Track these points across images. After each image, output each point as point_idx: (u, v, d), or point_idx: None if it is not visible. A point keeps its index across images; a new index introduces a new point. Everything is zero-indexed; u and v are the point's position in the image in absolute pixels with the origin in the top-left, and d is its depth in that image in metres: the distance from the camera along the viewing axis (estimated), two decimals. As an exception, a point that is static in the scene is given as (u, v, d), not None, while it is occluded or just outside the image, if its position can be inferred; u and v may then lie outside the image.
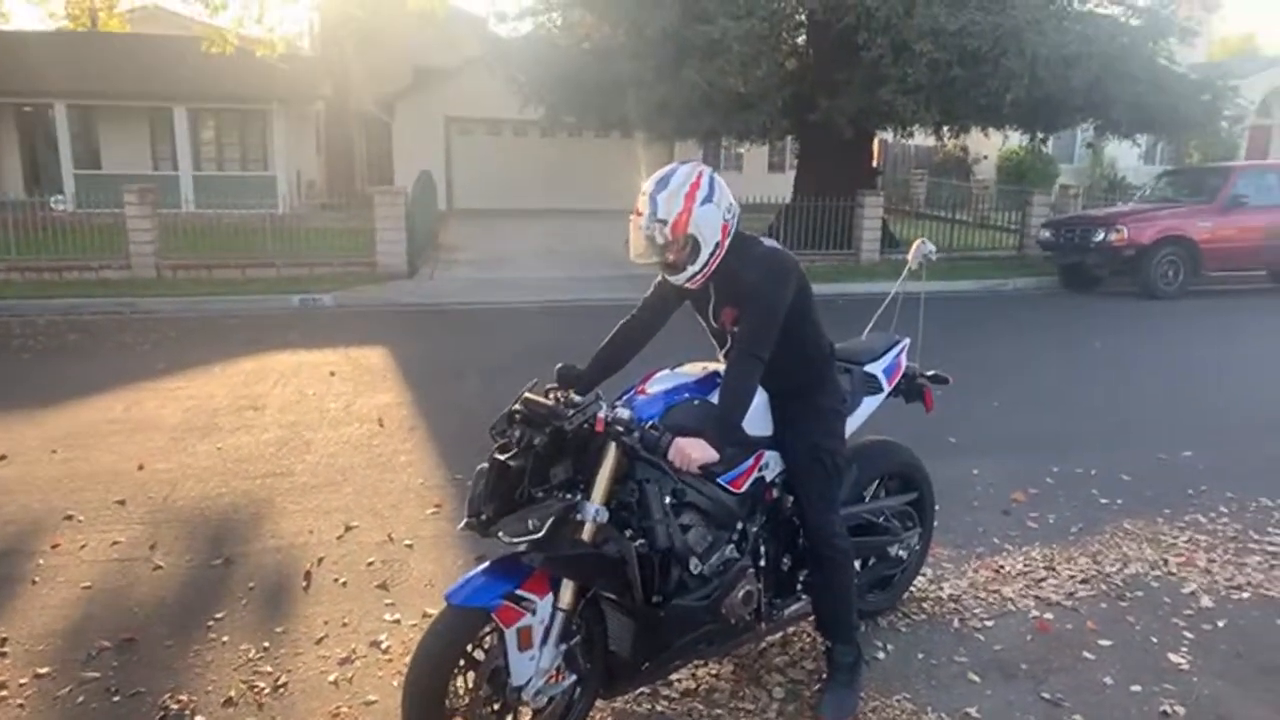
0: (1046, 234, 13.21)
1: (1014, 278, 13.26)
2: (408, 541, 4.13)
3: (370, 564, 3.91)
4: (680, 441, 2.45)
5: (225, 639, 3.30)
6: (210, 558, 3.96)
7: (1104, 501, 4.73)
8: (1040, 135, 15.12)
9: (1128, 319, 10.50)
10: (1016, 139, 19.44)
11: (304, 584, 3.73)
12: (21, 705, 2.90)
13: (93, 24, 27.29)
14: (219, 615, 3.46)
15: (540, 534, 2.36)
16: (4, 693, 2.95)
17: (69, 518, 4.35)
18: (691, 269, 2.63)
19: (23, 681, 3.02)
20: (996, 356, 8.17)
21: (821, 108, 13.02)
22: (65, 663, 3.13)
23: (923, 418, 3.66)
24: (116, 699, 2.93)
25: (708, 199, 2.59)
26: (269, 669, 3.11)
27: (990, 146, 24.00)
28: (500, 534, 2.41)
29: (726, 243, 2.65)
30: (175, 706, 2.89)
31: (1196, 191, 12.80)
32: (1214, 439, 5.76)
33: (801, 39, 14.94)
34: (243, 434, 5.67)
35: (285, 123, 20.52)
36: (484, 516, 2.45)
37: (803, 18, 14.06)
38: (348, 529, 4.26)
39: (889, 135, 19.63)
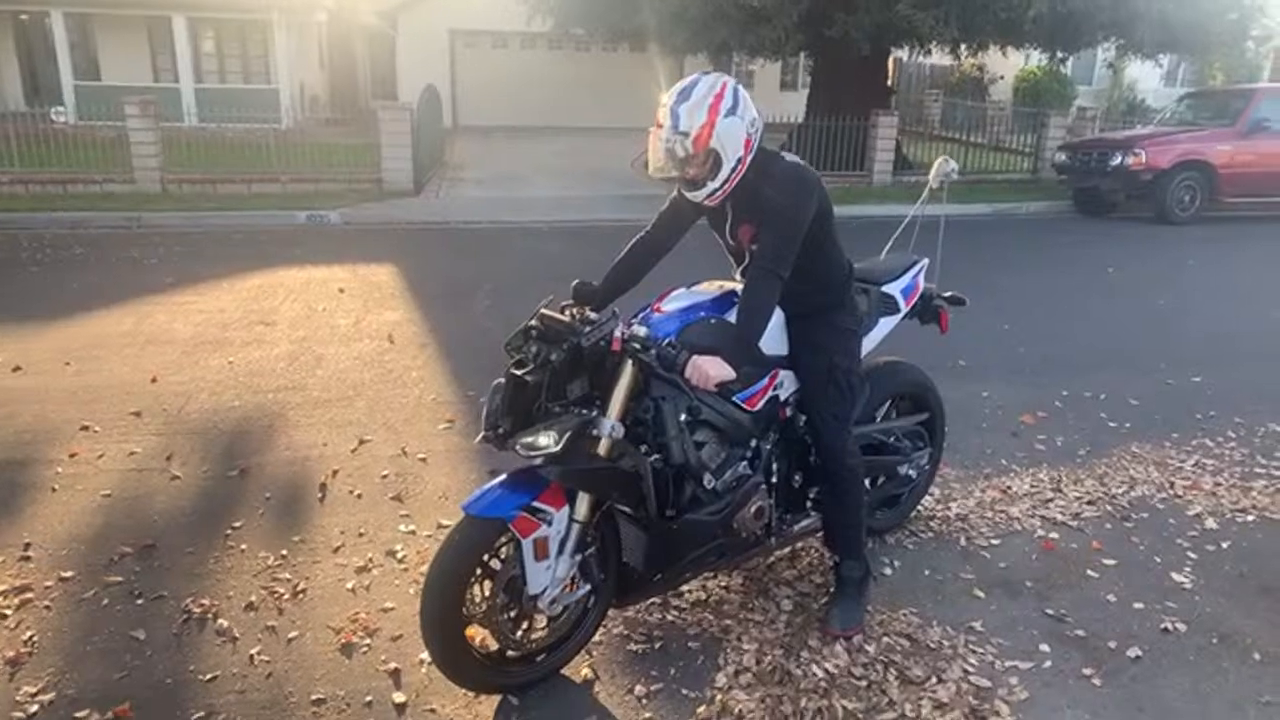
0: (1062, 157, 12.98)
1: (1028, 201, 13.06)
2: (421, 455, 4.18)
3: (384, 476, 3.96)
4: (697, 359, 2.45)
5: (244, 547, 3.36)
6: (226, 469, 4.01)
7: (1112, 425, 4.75)
8: (1060, 55, 14.71)
9: (1141, 245, 10.38)
10: (1035, 59, 18.90)
11: (319, 495, 3.79)
12: (48, 607, 2.97)
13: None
14: (237, 524, 3.52)
15: (557, 448, 2.37)
16: (30, 594, 3.02)
17: (85, 428, 4.39)
18: (712, 185, 2.58)
19: (48, 584, 3.09)
20: (1008, 280, 8.11)
21: (838, 23, 12.63)
22: (88, 567, 3.20)
23: (932, 339, 3.65)
24: (140, 602, 3.01)
25: (731, 111, 2.52)
26: (288, 576, 3.18)
27: (1007, 67, 23.39)
28: (517, 447, 2.43)
29: (749, 158, 2.59)
30: (197, 610, 2.96)
31: (1218, 115, 12.50)
32: (1223, 364, 5.76)
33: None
34: (254, 348, 5.69)
35: (287, 34, 20.02)
36: (501, 430, 2.46)
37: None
38: (361, 442, 4.30)
39: (903, 54, 19.15)
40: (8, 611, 2.93)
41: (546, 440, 2.39)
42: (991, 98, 23.70)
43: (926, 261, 3.46)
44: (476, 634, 2.58)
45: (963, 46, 14.55)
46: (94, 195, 11.57)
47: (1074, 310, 7.22)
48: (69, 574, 3.15)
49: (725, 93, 2.53)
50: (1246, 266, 9.43)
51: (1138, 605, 3.13)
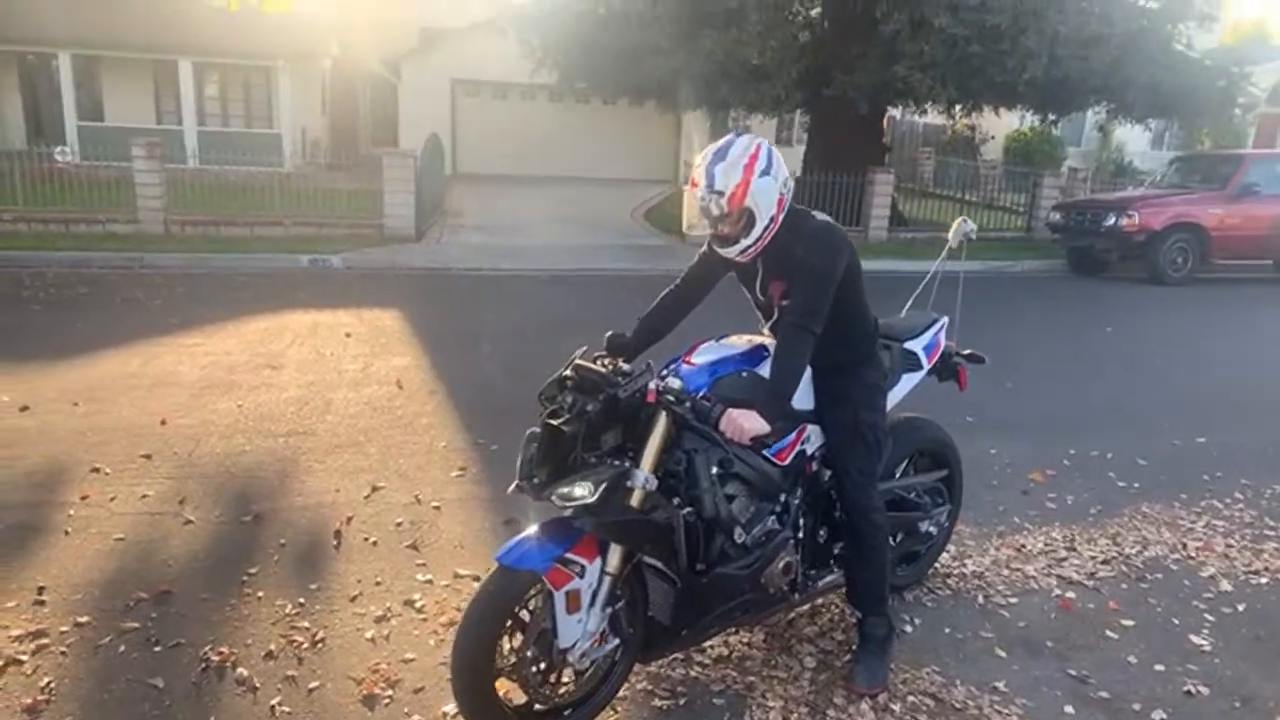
0: (1057, 216, 13.21)
1: (1022, 259, 13.25)
2: (435, 503, 4.16)
3: (399, 524, 3.94)
4: (733, 412, 2.47)
5: (260, 594, 3.33)
6: (239, 514, 3.98)
7: (1121, 485, 4.78)
8: (1052, 117, 15.05)
9: (1136, 304, 10.53)
10: (1027, 120, 19.31)
11: (335, 542, 3.76)
12: (64, 653, 2.93)
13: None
14: (252, 570, 3.49)
15: (593, 499, 2.38)
16: (46, 640, 2.98)
17: (95, 469, 4.36)
18: (745, 242, 2.64)
19: (64, 629, 3.05)
20: (1007, 337, 8.19)
21: (836, 82, 12.92)
22: (104, 612, 3.16)
23: (938, 395, 3.67)
24: (158, 649, 2.97)
25: (765, 171, 2.58)
26: (306, 624, 3.15)
27: (999, 126, 23.86)
28: (553, 498, 2.43)
29: (781, 216, 2.65)
30: (216, 658, 2.92)
31: (1208, 178, 12.78)
32: (1226, 426, 5.81)
33: (816, 11, 14.79)
34: (262, 392, 5.68)
35: (291, 80, 20.27)
36: (536, 480, 2.47)
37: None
38: (374, 489, 4.28)
39: (896, 112, 19.52)
40: (24, 657, 2.89)
41: (582, 491, 2.40)
42: (983, 156, 24.14)
43: (946, 319, 3.52)
44: (504, 687, 2.56)
45: (957, 107, 14.87)
46: (97, 235, 11.60)
47: (1074, 369, 7.30)
48: (85, 619, 3.11)
49: (760, 154, 2.60)
50: (1241, 327, 9.56)
51: (1159, 667, 3.13)
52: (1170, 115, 14.45)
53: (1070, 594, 3.61)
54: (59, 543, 3.65)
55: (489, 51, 19.30)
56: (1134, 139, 23.32)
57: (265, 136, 20.02)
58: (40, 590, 3.27)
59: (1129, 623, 3.41)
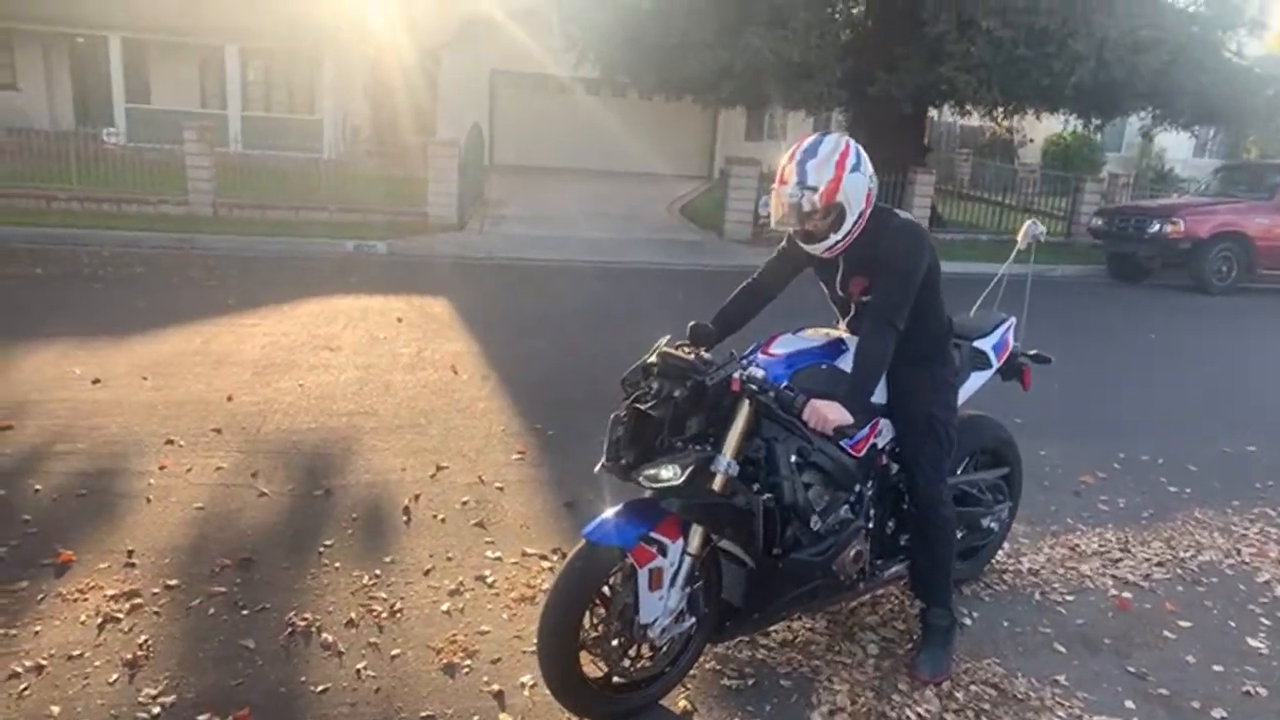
0: (1099, 222, 13.13)
1: (1062, 264, 13.19)
2: (498, 484, 4.27)
3: (465, 503, 4.05)
4: (817, 403, 2.55)
5: (338, 565, 3.45)
6: (311, 488, 4.11)
7: (1173, 489, 4.81)
8: (1097, 121, 14.95)
9: (1180, 312, 10.46)
10: (1070, 124, 19.15)
11: (404, 518, 3.88)
12: (157, 613, 3.06)
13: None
14: (328, 542, 3.62)
15: (679, 481, 2.47)
16: (139, 600, 3.11)
17: (170, 441, 4.51)
18: (834, 237, 2.71)
19: (155, 591, 3.18)
20: (1051, 341, 8.12)
21: (880, 81, 12.92)
22: (191, 577, 3.29)
23: (989, 397, 3.70)
24: (245, 612, 3.09)
25: (855, 168, 2.66)
26: (383, 595, 3.26)
27: (1038, 130, 23.69)
28: (640, 479, 2.52)
29: (868, 212, 2.71)
30: (301, 623, 3.04)
31: (1254, 187, 12.65)
32: (1276, 435, 5.80)
33: (859, 9, 14.78)
34: (322, 372, 5.82)
35: (333, 66, 20.52)
36: (624, 461, 2.56)
37: (865, -12, 13.95)
38: (439, 469, 4.39)
39: (935, 113, 19.45)
40: (120, 615, 3.02)
41: (669, 473, 2.49)
42: (1021, 160, 23.98)
43: (1014, 319, 3.57)
44: (584, 660, 2.65)
45: (1000, 109, 14.81)
46: (149, 216, 11.84)
47: (1121, 373, 7.29)
48: (174, 582, 3.24)
49: (850, 151, 2.68)
50: (1286, 339, 9.49)
51: (1217, 668, 3.17)
52: (1218, 122, 14.34)
53: (1126, 594, 3.66)
54: (142, 509, 3.79)
55: (528, 43, 19.42)
56: (1175, 146, 23.09)
57: (307, 122, 20.32)
58: (130, 554, 3.41)
59: (1186, 624, 3.46)
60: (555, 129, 22.70)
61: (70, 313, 7.03)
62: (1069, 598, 3.60)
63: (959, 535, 3.45)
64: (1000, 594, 3.60)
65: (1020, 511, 4.19)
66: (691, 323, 2.89)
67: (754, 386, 2.58)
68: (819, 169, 2.63)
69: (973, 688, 2.95)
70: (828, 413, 2.53)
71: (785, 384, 2.63)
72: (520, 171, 21.10)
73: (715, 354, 2.75)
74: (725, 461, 2.55)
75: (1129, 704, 2.93)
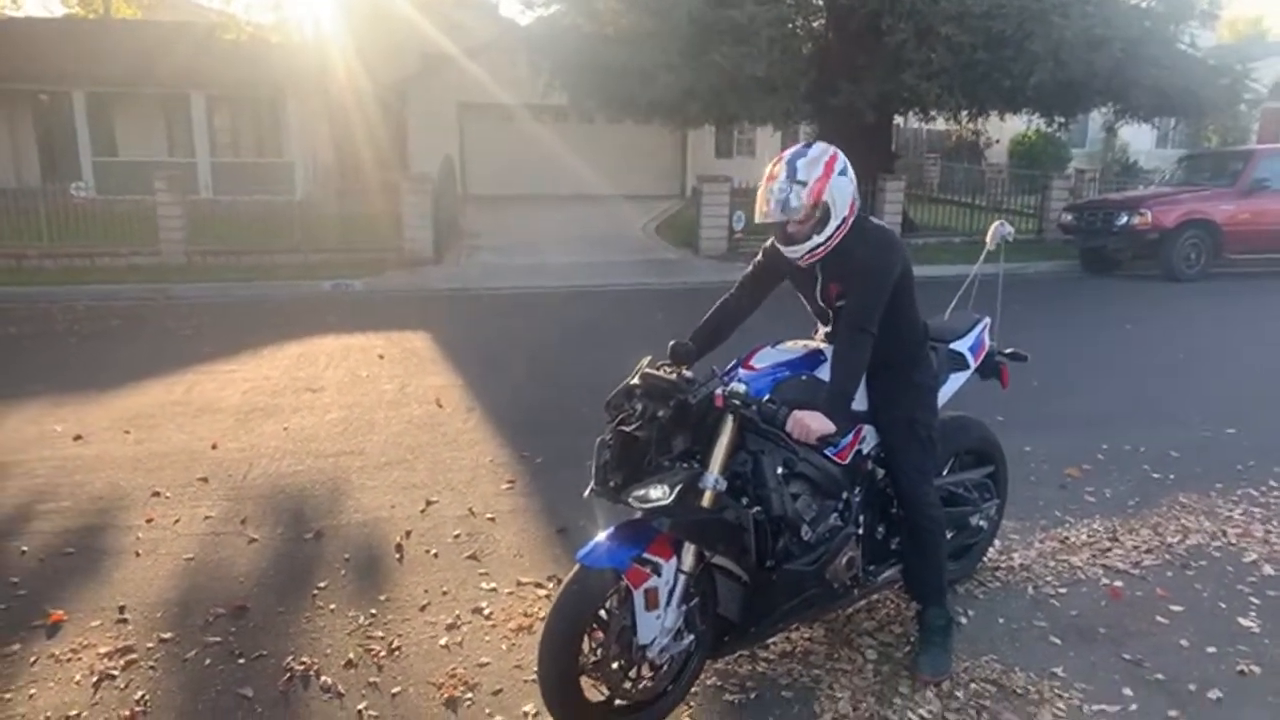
0: (1068, 218, 13.31)
1: (1034, 261, 13.35)
2: (489, 515, 4.27)
3: (457, 536, 4.05)
4: (799, 414, 2.58)
5: (333, 606, 3.44)
6: (301, 531, 4.09)
7: (1156, 476, 4.86)
8: (1059, 119, 15.18)
9: (1152, 301, 10.61)
10: (1032, 123, 19.42)
11: (397, 555, 3.87)
12: (153, 667, 3.04)
13: (105, 11, 27.23)
14: (322, 584, 3.60)
15: (669, 500, 2.48)
16: (134, 655, 3.09)
17: (156, 494, 4.49)
18: (816, 239, 2.73)
19: (149, 645, 3.16)
20: (1029, 337, 8.17)
21: (843, 92, 13.08)
22: (185, 628, 3.27)
23: (970, 394, 3.74)
24: (241, 660, 3.08)
25: (843, 172, 2.72)
26: (380, 634, 3.25)
27: (1003, 130, 24.02)
28: (630, 500, 2.54)
29: (850, 220, 2.76)
30: (299, 668, 3.03)
31: (1217, 175, 12.87)
32: (1254, 416, 5.89)
33: (819, 23, 14.98)
34: (305, 414, 5.81)
35: (300, 109, 20.54)
36: (613, 484, 2.58)
37: (822, 1, 14.13)
38: (429, 504, 4.39)
39: (901, 120, 19.70)
40: (115, 672, 3.00)
41: (658, 493, 2.50)
42: (988, 160, 24.30)
43: (989, 319, 3.62)
44: (585, 684, 2.65)
45: (964, 113, 15.02)
46: (120, 268, 11.80)
47: (1099, 366, 7.38)
48: (168, 635, 3.22)
49: (837, 157, 2.76)
50: (1258, 320, 9.64)
51: (1210, 649, 3.21)
52: (1176, 113, 14.58)
53: (1118, 583, 3.69)
54: (131, 563, 3.76)
55: (493, 74, 19.57)
56: (1139, 139, 23.43)
57: (277, 165, 20.31)
58: (121, 609, 3.39)
59: (1178, 608, 3.49)
60: (526, 157, 22.83)
61: (47, 370, 6.99)
62: (1062, 590, 3.63)
63: (949, 535, 3.50)
64: (994, 591, 3.63)
65: (1009, 508, 4.22)
66: (672, 342, 2.92)
67: (737, 401, 2.60)
68: (809, 167, 2.69)
69: (972, 685, 2.96)
70: (810, 422, 2.56)
71: (767, 397, 2.66)
72: (494, 201, 21.17)
73: (696, 372, 2.78)
74: (713, 478, 2.57)
75: (1126, 691, 2.96)
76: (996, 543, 3.95)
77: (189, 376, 6.71)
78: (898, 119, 18.85)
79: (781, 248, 2.85)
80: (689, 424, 2.60)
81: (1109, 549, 4.00)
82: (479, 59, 21.07)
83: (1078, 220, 12.99)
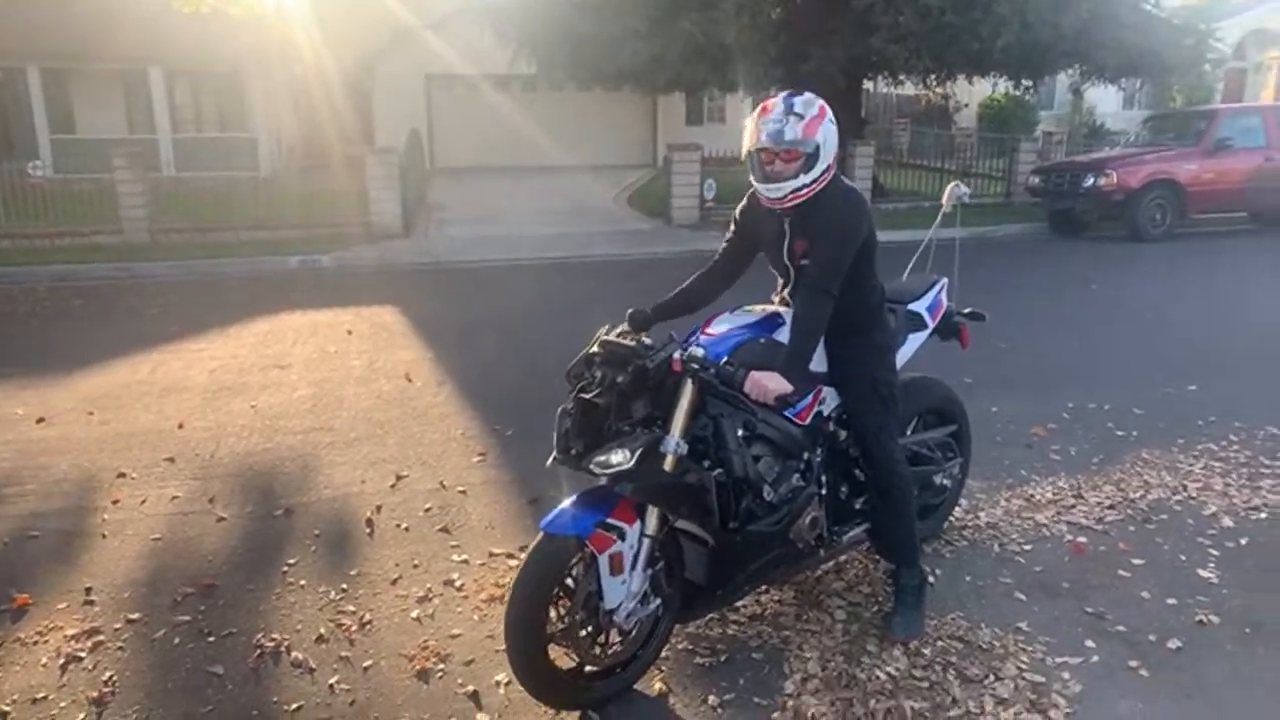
0: (1036, 180, 13.37)
1: (1004, 224, 13.43)
2: (460, 488, 4.26)
3: (428, 509, 4.04)
4: (756, 374, 2.59)
5: (303, 582, 3.43)
6: (270, 509, 4.07)
7: (1120, 434, 4.94)
8: (1026, 82, 15.21)
9: (1119, 261, 10.72)
10: (1000, 86, 19.46)
11: (368, 530, 3.86)
12: (121, 648, 3.02)
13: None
14: (291, 561, 3.59)
15: (630, 465, 2.49)
16: (101, 637, 3.07)
17: (122, 475, 4.44)
18: (804, 178, 2.70)
19: (117, 626, 3.14)
20: (997, 300, 8.27)
21: (814, 57, 13.02)
22: (153, 608, 3.25)
23: (939, 358, 3.78)
24: (211, 639, 3.06)
25: (833, 121, 2.73)
26: (352, 608, 3.25)
27: (972, 94, 24.04)
28: (591, 466, 2.54)
29: (831, 173, 2.76)
30: (270, 644, 3.02)
31: (1181, 135, 12.96)
32: (1215, 373, 5.99)
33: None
34: (274, 392, 5.75)
35: (263, 83, 20.17)
36: (574, 451, 2.58)
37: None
38: (399, 478, 4.38)
39: (870, 85, 19.65)
40: (82, 654, 2.97)
41: (620, 458, 2.51)
42: (957, 125, 24.33)
43: (946, 280, 3.64)
44: (554, 652, 2.66)
45: (932, 76, 15.01)
46: (83, 248, 11.57)
47: (1065, 327, 7.47)
48: (135, 615, 3.20)
49: (828, 107, 2.77)
50: (1222, 278, 9.78)
51: (1171, 601, 3.28)
52: (1141, 74, 14.66)
53: (1081, 538, 3.76)
54: (98, 545, 3.73)
55: (461, 45, 19.28)
56: (1105, 100, 23.57)
57: (240, 141, 19.96)
58: (88, 591, 3.36)
59: (1139, 561, 3.56)
60: (495, 129, 22.58)
61: (8, 353, 6.86)
62: (1027, 547, 3.69)
63: (916, 494, 3.54)
64: (961, 550, 3.68)
65: (975, 468, 4.28)
66: (630, 310, 2.92)
67: (695, 365, 2.60)
68: (806, 105, 2.71)
69: (939, 643, 3.01)
70: (768, 383, 2.57)
71: (725, 360, 2.66)
72: (463, 174, 20.96)
73: (654, 338, 2.77)
74: (674, 442, 2.57)
75: (1089, 643, 3.02)
76: (963, 502, 4.01)
77: (154, 356, 6.62)
78: (867, 84, 18.81)
79: (760, 187, 2.79)
80: (648, 389, 2.61)
81: (1073, 506, 4.07)
82: (445, 29, 20.75)
83: (1045, 182, 13.06)
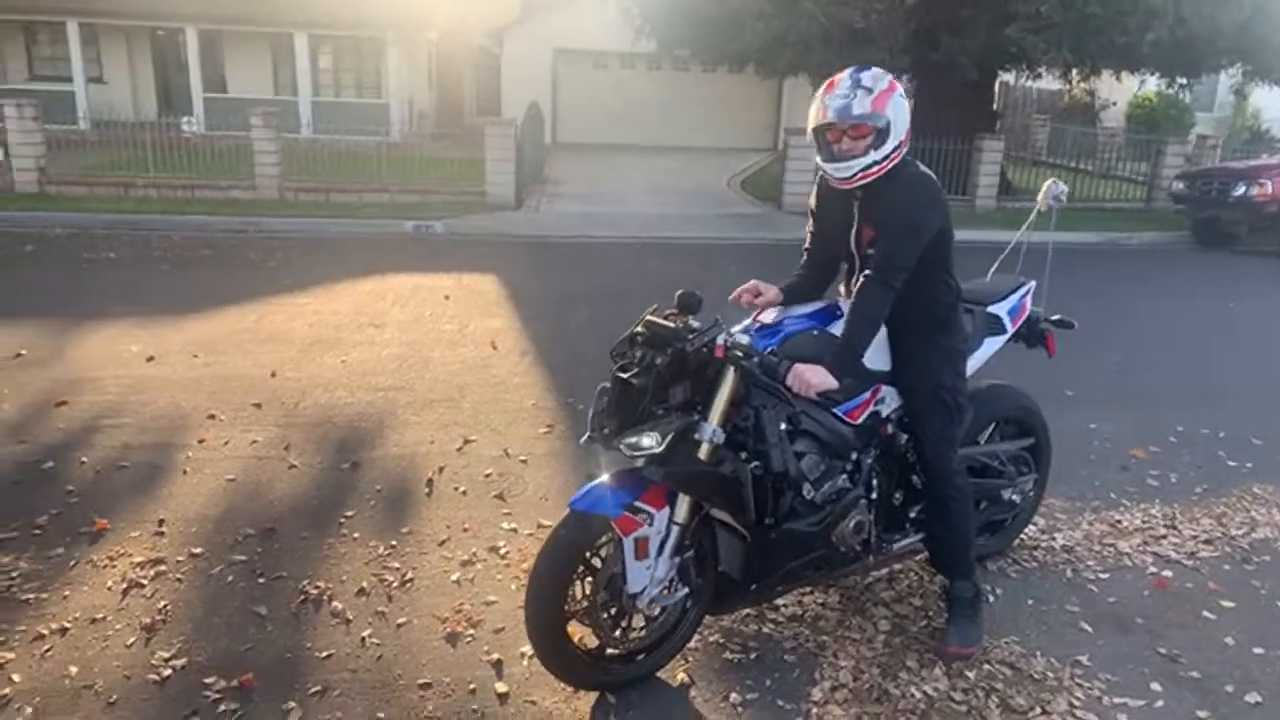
0: (1180, 186, 12.47)
1: (1140, 231, 12.60)
2: (522, 457, 4.30)
3: (488, 475, 4.09)
4: (799, 367, 2.48)
5: (356, 535, 3.52)
6: (339, 461, 4.20)
7: (1232, 464, 4.55)
8: (1181, 80, 14.15)
9: (1264, 279, 9.89)
10: (1153, 84, 18.21)
11: (426, 490, 3.94)
12: (179, 579, 3.18)
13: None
14: (349, 513, 3.69)
15: (660, 449, 2.43)
16: (164, 567, 3.23)
17: (212, 416, 4.67)
18: (874, 155, 2.55)
19: (179, 559, 3.30)
20: (1119, 311, 7.82)
21: (944, 45, 12.47)
22: (215, 545, 3.40)
23: (1039, 369, 3.58)
24: (261, 580, 3.18)
25: (904, 95, 2.59)
26: (397, 565, 3.31)
27: (1121, 92, 22.58)
28: (621, 447, 2.50)
29: (903, 150, 2.61)
30: (314, 591, 3.11)
31: (1353, 145, 11.85)
32: (1356, 408, 5.45)
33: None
34: (365, 349, 5.94)
35: (399, 52, 20.81)
36: (606, 430, 2.54)
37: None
38: (466, 442, 4.44)
39: (1009, 78, 18.71)
40: (144, 581, 3.14)
41: (650, 441, 2.45)
42: (1103, 124, 22.92)
43: (1034, 284, 3.41)
44: (577, 631, 2.64)
45: (1074, 71, 14.16)
46: (218, 200, 12.24)
47: (1189, 346, 6.94)
48: (198, 550, 3.35)
49: (897, 83, 2.62)
50: (1381, 306, 8.89)
51: (1258, 651, 3.00)
52: (1314, 77, 13.40)
53: (1167, 572, 3.48)
54: (178, 480, 3.93)
55: (589, 20, 19.35)
56: (1273, 103, 21.72)
57: (374, 106, 20.67)
58: (160, 523, 3.55)
59: (1229, 604, 3.27)
60: (618, 106, 22.64)
61: (135, 294, 7.31)
62: (1103, 575, 3.45)
63: (981, 508, 3.34)
64: (1029, 570, 3.46)
65: (1059, 486, 4.05)
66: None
67: (738, 353, 2.51)
68: (874, 79, 2.56)
69: (986, 666, 2.84)
70: (810, 377, 2.46)
71: (770, 350, 2.56)
72: (582, 149, 21.11)
73: (703, 320, 2.68)
74: (711, 429, 2.50)
75: (1155, 686, 2.79)
76: (1040, 521, 3.78)
77: (262, 306, 6.94)
78: (1004, 77, 17.92)
79: (827, 166, 2.64)
80: (688, 373, 2.53)
81: (1163, 536, 3.77)
82: (575, 4, 20.88)
83: (1190, 189, 12.15)
